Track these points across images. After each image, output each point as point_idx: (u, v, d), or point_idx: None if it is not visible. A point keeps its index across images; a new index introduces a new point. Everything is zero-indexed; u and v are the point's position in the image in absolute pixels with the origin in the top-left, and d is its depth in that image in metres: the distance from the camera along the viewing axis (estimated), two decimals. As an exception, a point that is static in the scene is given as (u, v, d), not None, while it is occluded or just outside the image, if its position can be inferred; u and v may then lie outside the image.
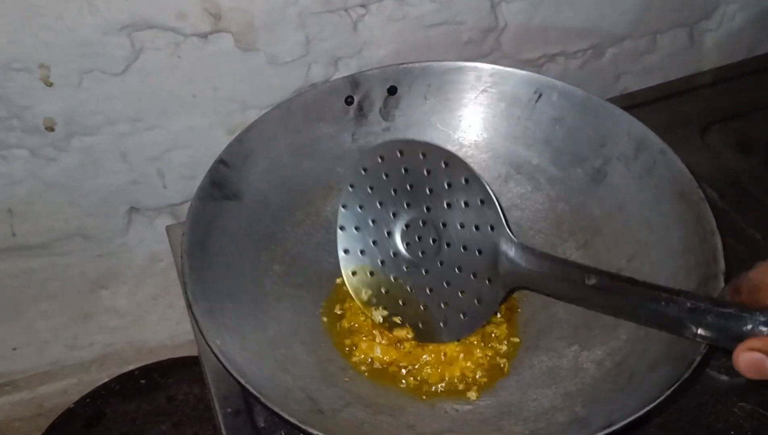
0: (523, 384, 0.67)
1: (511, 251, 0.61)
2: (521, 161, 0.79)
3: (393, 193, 0.67)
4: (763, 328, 0.49)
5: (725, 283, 0.61)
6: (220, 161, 0.71)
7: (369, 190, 0.68)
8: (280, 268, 0.73)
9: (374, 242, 0.70)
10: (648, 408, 0.54)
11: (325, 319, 0.72)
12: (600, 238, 0.75)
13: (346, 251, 0.71)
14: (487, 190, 0.61)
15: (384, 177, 0.67)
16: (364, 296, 0.71)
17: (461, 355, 0.68)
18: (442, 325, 0.67)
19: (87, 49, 0.81)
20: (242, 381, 0.56)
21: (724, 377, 0.70)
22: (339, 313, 0.73)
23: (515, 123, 0.79)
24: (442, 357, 0.68)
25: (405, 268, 0.68)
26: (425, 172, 0.64)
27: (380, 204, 0.68)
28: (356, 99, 0.78)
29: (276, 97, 0.92)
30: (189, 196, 0.98)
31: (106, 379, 1.12)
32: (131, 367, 1.13)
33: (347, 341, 0.70)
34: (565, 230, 0.77)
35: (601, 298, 0.58)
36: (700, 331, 0.52)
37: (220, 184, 0.70)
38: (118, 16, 0.79)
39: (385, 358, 0.69)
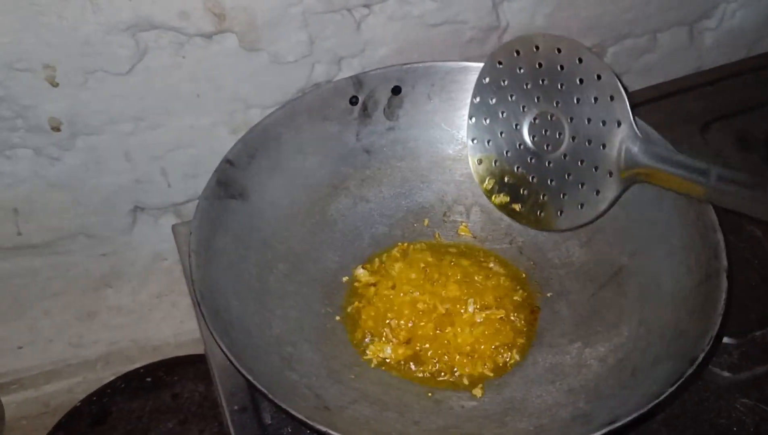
0: (527, 380, 0.67)
1: (636, 147, 0.62)
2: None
3: (525, 86, 0.68)
4: None
5: (727, 281, 0.61)
6: (227, 161, 0.71)
7: (502, 82, 0.69)
8: (285, 266, 0.74)
9: (501, 133, 0.71)
10: (652, 404, 0.55)
11: (337, 317, 0.73)
12: (602, 235, 0.75)
13: (473, 140, 0.73)
14: (618, 86, 0.62)
15: (518, 70, 0.68)
16: (488, 184, 0.73)
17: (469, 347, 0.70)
18: (559, 213, 0.70)
19: (90, 48, 0.81)
20: (250, 378, 0.57)
21: (726, 374, 0.71)
22: (350, 311, 0.74)
23: (518, 121, 0.80)
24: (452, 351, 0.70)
25: (529, 160, 0.70)
26: (559, 68, 0.65)
27: (511, 97, 0.69)
28: (360, 99, 0.79)
29: (279, 97, 0.92)
30: (193, 195, 0.99)
31: (111, 378, 1.13)
32: (136, 366, 1.14)
33: (359, 337, 0.71)
34: (568, 228, 0.78)
35: (723, 194, 0.60)
36: None
37: (226, 184, 0.71)
38: (121, 16, 0.80)
39: (395, 355, 0.70)
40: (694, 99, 1.00)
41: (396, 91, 0.79)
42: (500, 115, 0.71)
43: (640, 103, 0.98)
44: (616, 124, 0.64)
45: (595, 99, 0.64)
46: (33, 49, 0.80)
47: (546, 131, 0.68)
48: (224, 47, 0.86)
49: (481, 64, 0.78)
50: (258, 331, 0.67)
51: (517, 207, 0.74)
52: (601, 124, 0.65)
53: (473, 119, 0.73)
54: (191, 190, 0.99)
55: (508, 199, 0.74)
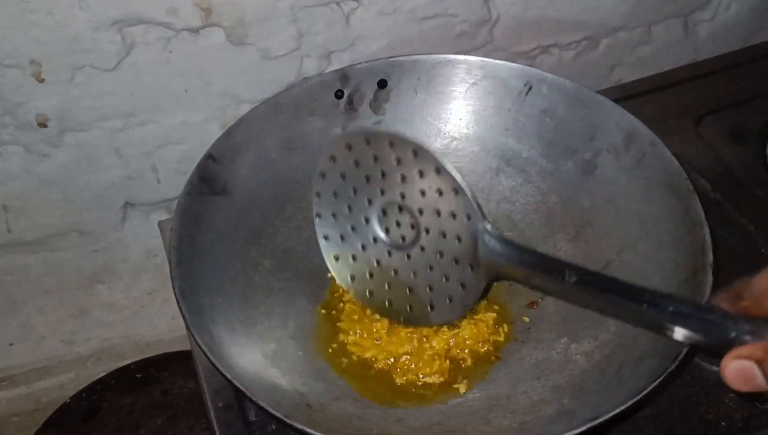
0: (512, 377, 0.67)
1: (490, 241, 0.59)
2: (512, 154, 0.79)
3: (366, 180, 0.65)
4: (747, 337, 0.47)
5: (713, 276, 0.61)
6: (209, 156, 0.71)
7: (341, 177, 0.66)
8: (270, 262, 0.73)
9: (353, 228, 0.68)
10: (633, 401, 0.54)
11: (323, 313, 0.73)
12: (590, 230, 0.75)
13: (326, 237, 0.70)
14: (458, 181, 0.59)
15: (354, 165, 0.65)
16: (350, 280, 0.70)
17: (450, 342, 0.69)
18: (429, 309, 0.66)
19: (78, 44, 0.81)
20: (228, 376, 0.56)
21: (715, 368, 0.70)
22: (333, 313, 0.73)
23: (505, 115, 0.79)
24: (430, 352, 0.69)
25: (387, 253, 0.67)
26: (395, 161, 0.62)
27: (354, 191, 0.66)
28: (346, 93, 0.78)
29: (269, 91, 0.92)
30: (183, 191, 0.99)
31: (103, 374, 1.13)
32: (128, 362, 1.14)
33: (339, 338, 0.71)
34: (556, 222, 0.77)
35: (582, 296, 0.57)
36: (682, 334, 0.50)
37: (208, 180, 0.70)
38: (108, 11, 0.79)
39: (374, 356, 0.69)
40: (687, 91, 1.00)
41: (382, 84, 0.78)
42: (347, 210, 0.67)
43: (634, 95, 0.98)
44: (466, 218, 0.60)
45: (440, 191, 0.61)
46: (21, 45, 0.80)
47: (399, 224, 0.65)
48: (211, 42, 0.86)
49: (469, 57, 0.78)
50: (242, 328, 0.66)
51: (384, 303, 0.69)
52: (451, 217, 0.61)
53: (320, 217, 0.69)
54: (182, 186, 0.98)
55: (374, 296, 0.69)
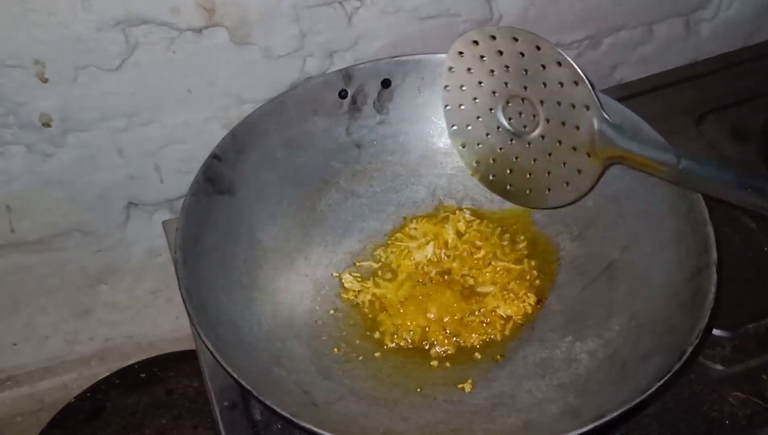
0: (516, 375, 0.67)
1: (606, 130, 0.63)
2: (515, 153, 0.80)
3: (491, 73, 0.69)
4: None
5: (717, 274, 0.61)
6: (214, 156, 0.71)
7: (467, 71, 0.71)
8: (275, 262, 0.73)
9: (479, 118, 0.73)
10: (638, 399, 0.55)
11: (331, 311, 0.73)
12: (594, 229, 0.75)
13: (453, 127, 0.75)
14: (579, 73, 0.63)
15: (480, 59, 0.69)
16: (476, 166, 0.75)
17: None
18: (548, 191, 0.71)
19: (81, 44, 0.81)
20: (235, 375, 0.57)
21: (718, 367, 0.70)
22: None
23: (509, 114, 0.79)
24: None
25: (510, 141, 0.71)
26: (519, 54, 0.67)
27: (480, 83, 0.71)
28: (350, 92, 0.78)
29: (272, 91, 0.92)
30: (186, 191, 0.99)
31: (107, 374, 1.13)
32: (131, 362, 1.14)
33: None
34: (559, 222, 0.77)
35: (690, 181, 0.62)
36: None
37: (213, 179, 0.71)
38: (111, 11, 0.79)
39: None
40: (689, 90, 1.00)
41: (386, 84, 0.79)
42: (473, 100, 0.73)
43: (636, 94, 0.98)
44: (585, 108, 0.65)
45: (561, 83, 0.65)
46: (24, 45, 0.80)
47: (521, 114, 0.70)
48: (214, 42, 0.86)
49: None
50: (247, 327, 0.67)
51: (507, 186, 0.75)
52: (571, 107, 0.66)
53: (448, 107, 0.75)
54: (185, 185, 0.97)
55: (496, 179, 0.75)
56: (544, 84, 0.67)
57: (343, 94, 0.78)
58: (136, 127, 0.92)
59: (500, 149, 0.73)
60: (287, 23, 0.87)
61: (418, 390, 0.67)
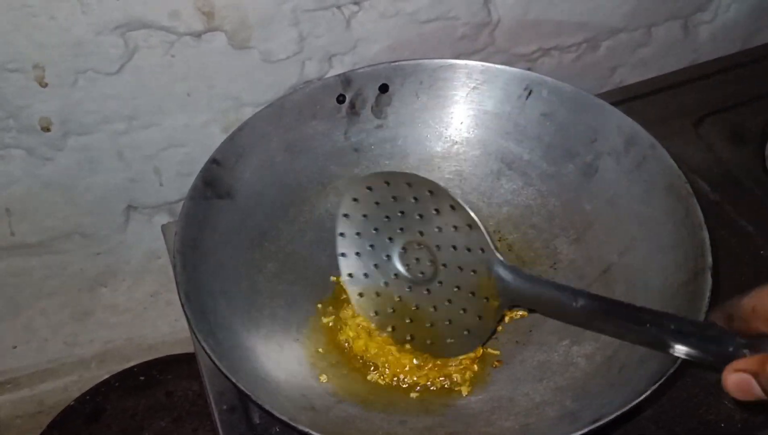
0: (514, 379, 0.67)
1: (503, 273, 0.63)
2: (512, 157, 0.80)
3: (386, 219, 0.68)
4: (745, 351, 0.50)
5: (712, 278, 0.61)
6: (213, 160, 0.71)
7: (363, 217, 0.70)
8: (274, 266, 0.74)
9: (375, 265, 0.71)
10: (635, 402, 0.55)
11: (324, 319, 0.73)
12: (591, 232, 0.75)
13: (350, 275, 0.73)
14: (471, 216, 0.62)
15: (375, 205, 0.68)
16: (373, 314, 0.72)
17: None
18: (449, 341, 0.69)
19: (81, 48, 0.81)
20: (233, 379, 0.57)
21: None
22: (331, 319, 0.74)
23: (506, 119, 0.79)
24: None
25: (408, 289, 0.70)
26: (413, 200, 0.66)
27: (375, 230, 0.70)
28: (348, 97, 0.78)
29: (271, 95, 0.92)
30: (186, 194, 0.99)
31: (106, 376, 1.13)
32: (131, 364, 1.14)
33: (342, 338, 0.72)
34: (557, 225, 0.77)
35: (589, 320, 0.59)
36: (684, 351, 0.53)
37: (212, 183, 0.71)
38: (111, 15, 0.80)
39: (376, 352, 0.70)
40: (688, 93, 1.00)
41: (384, 88, 0.79)
42: (369, 248, 0.71)
43: (634, 97, 0.99)
44: (480, 251, 0.63)
45: (455, 227, 0.64)
46: (24, 49, 0.80)
47: (418, 260, 0.69)
48: (214, 46, 0.86)
49: (470, 61, 0.79)
50: (245, 331, 0.67)
51: (407, 336, 0.71)
52: (466, 251, 0.65)
53: (345, 255, 0.72)
54: (184, 188, 0.98)
55: (396, 330, 0.71)
56: (439, 229, 0.66)
57: (341, 99, 0.78)
58: (135, 131, 0.92)
59: (399, 298, 0.71)
60: (286, 27, 0.87)
61: (417, 394, 0.67)
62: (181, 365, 1.13)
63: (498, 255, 0.63)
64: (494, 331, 0.70)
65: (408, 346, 0.71)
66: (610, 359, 0.65)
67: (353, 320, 0.73)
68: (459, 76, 0.79)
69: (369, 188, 0.68)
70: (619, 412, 0.55)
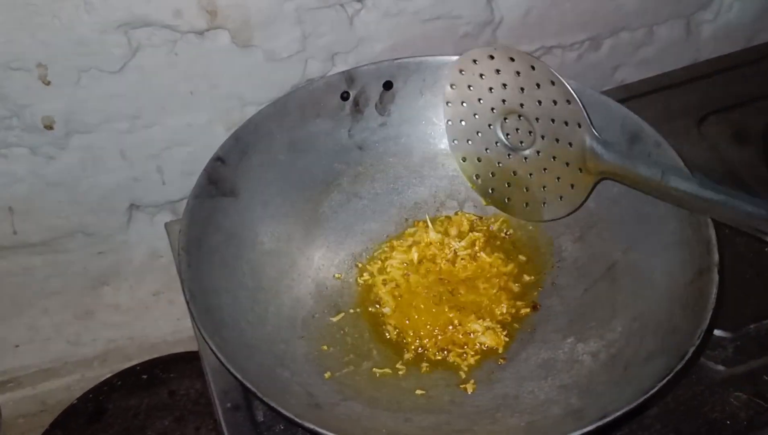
0: (518, 376, 0.67)
1: (597, 147, 0.67)
2: (517, 154, 0.80)
3: (490, 90, 0.73)
4: None
5: (719, 275, 0.61)
6: (217, 158, 0.71)
7: (468, 88, 0.75)
8: (278, 263, 0.73)
9: (478, 133, 0.77)
10: (640, 400, 0.55)
11: (330, 314, 0.74)
12: (595, 230, 0.75)
13: (454, 141, 0.79)
14: (570, 91, 0.67)
15: (480, 77, 0.73)
16: (476, 179, 0.80)
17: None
18: (543, 205, 0.75)
19: (84, 47, 0.81)
20: (239, 376, 0.57)
21: (720, 367, 0.71)
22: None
23: (510, 116, 0.79)
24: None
25: (508, 156, 0.76)
26: (516, 73, 0.70)
27: (479, 100, 0.75)
28: (352, 95, 0.78)
29: (274, 93, 0.92)
30: (188, 193, 0.99)
31: (109, 375, 1.13)
32: (133, 363, 1.14)
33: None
34: (561, 223, 0.77)
35: (678, 197, 0.64)
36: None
37: (216, 181, 0.71)
38: (114, 14, 0.80)
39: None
40: (690, 92, 1.00)
41: (387, 86, 0.79)
42: (473, 117, 0.76)
43: (637, 95, 0.98)
44: (577, 126, 0.68)
45: (554, 102, 0.69)
46: (27, 48, 0.80)
47: (518, 130, 0.74)
48: (217, 44, 0.86)
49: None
50: (250, 329, 0.67)
51: (505, 199, 0.78)
52: (564, 125, 0.69)
53: (450, 122, 0.78)
54: (187, 187, 0.98)
55: (495, 192, 0.78)
56: (539, 102, 0.70)
57: (345, 96, 0.78)
58: (138, 130, 0.92)
59: (499, 163, 0.77)
60: (289, 26, 0.87)
61: (422, 391, 0.67)
62: (184, 364, 1.13)
63: (594, 131, 0.67)
64: (586, 200, 0.73)
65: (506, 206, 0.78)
66: (615, 357, 0.65)
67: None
68: (463, 74, 0.79)
69: (474, 61, 0.73)
70: (624, 410, 0.55)
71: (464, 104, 0.76)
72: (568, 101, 0.67)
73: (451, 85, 0.76)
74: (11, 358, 1.12)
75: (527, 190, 0.76)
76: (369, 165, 0.81)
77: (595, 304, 0.71)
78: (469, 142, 0.78)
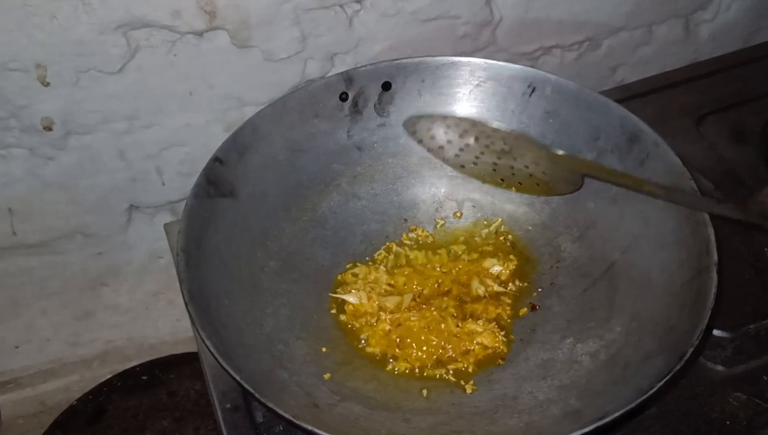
0: (518, 377, 0.67)
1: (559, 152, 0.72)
2: (516, 155, 0.80)
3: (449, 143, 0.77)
4: None
5: (718, 275, 0.61)
6: (215, 159, 0.71)
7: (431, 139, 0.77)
8: (277, 264, 0.74)
9: (461, 150, 0.77)
10: (639, 400, 0.55)
11: (329, 314, 0.73)
12: (594, 230, 0.75)
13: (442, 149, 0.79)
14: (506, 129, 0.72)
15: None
16: (482, 179, 0.80)
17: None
18: (536, 185, 0.77)
19: (83, 48, 0.81)
20: (237, 377, 0.57)
21: (719, 367, 0.70)
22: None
23: (509, 117, 0.79)
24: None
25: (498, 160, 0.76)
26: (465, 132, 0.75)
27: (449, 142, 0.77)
28: (351, 95, 0.78)
29: (273, 94, 0.92)
30: (187, 193, 0.98)
31: (108, 376, 1.13)
32: (133, 364, 1.14)
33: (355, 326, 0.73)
34: (560, 223, 0.77)
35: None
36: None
37: (215, 182, 0.71)
38: (113, 15, 0.80)
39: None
40: (689, 91, 1.00)
41: (386, 87, 0.79)
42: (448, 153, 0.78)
43: (636, 95, 0.98)
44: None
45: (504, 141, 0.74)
46: (26, 49, 0.80)
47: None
48: (215, 45, 0.86)
49: (473, 59, 0.79)
50: (249, 329, 0.67)
51: (517, 183, 0.78)
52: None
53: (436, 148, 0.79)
54: (186, 188, 0.99)
55: (504, 182, 0.79)
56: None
57: (344, 97, 0.78)
58: (137, 130, 0.92)
59: (494, 164, 0.77)
60: (288, 26, 0.87)
61: (421, 392, 0.67)
62: (183, 365, 1.13)
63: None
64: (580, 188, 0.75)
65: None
66: (614, 357, 0.65)
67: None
68: (462, 74, 0.79)
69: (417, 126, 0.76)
70: (623, 411, 0.55)
71: (441, 148, 0.78)
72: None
73: (419, 142, 0.78)
74: (10, 358, 1.12)
75: (531, 176, 0.75)
76: (368, 165, 0.81)
77: (594, 304, 0.71)
78: (457, 156, 0.78)
